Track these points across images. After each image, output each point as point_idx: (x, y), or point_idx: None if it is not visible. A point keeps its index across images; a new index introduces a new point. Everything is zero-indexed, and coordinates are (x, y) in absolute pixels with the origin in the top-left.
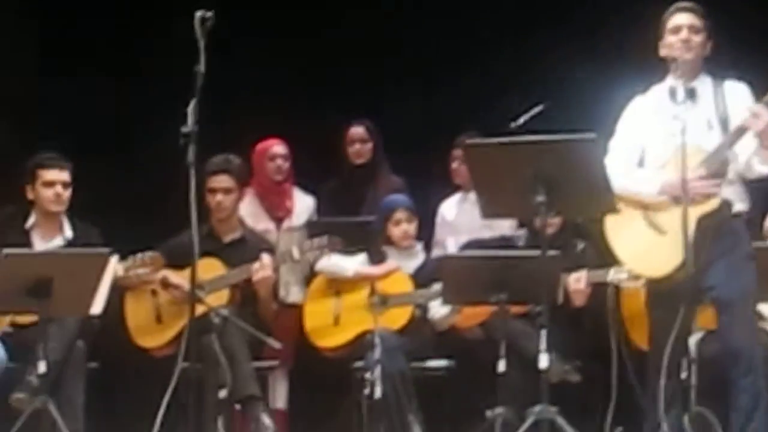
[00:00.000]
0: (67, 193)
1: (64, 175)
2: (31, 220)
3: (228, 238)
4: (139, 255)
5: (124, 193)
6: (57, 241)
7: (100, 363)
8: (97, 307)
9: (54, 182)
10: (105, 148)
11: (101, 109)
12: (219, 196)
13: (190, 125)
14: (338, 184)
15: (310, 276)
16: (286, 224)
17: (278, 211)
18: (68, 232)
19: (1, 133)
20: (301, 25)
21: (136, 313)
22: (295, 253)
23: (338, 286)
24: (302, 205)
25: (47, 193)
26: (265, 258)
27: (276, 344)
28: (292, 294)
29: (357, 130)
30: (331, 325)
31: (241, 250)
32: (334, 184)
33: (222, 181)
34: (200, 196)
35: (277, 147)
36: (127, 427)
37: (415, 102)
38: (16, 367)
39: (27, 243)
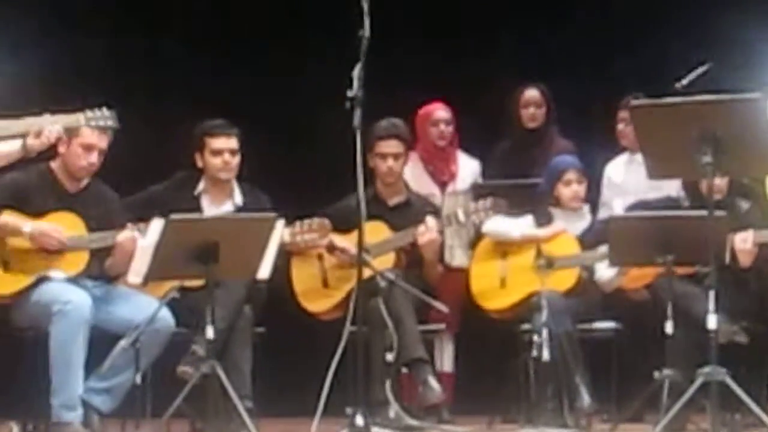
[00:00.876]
0: (235, 161)
1: (232, 143)
2: (201, 185)
3: (393, 202)
4: (306, 220)
5: (291, 158)
6: (227, 207)
7: (267, 328)
8: (264, 271)
9: (222, 150)
10: (272, 115)
11: (269, 74)
12: (390, 162)
13: (355, 89)
14: (509, 147)
15: (474, 239)
16: (450, 188)
17: (442, 176)
18: (238, 198)
19: (175, 103)
20: None
21: (303, 277)
22: (461, 216)
23: (505, 248)
24: (467, 168)
25: (215, 161)
26: (431, 220)
27: (443, 308)
28: (457, 257)
29: (532, 94)
30: (497, 287)
31: (407, 213)
32: (504, 146)
33: (392, 146)
34: (364, 160)
35: (440, 112)
36: (295, 392)
37: (584, 65)
38: (184, 332)
39: (197, 208)
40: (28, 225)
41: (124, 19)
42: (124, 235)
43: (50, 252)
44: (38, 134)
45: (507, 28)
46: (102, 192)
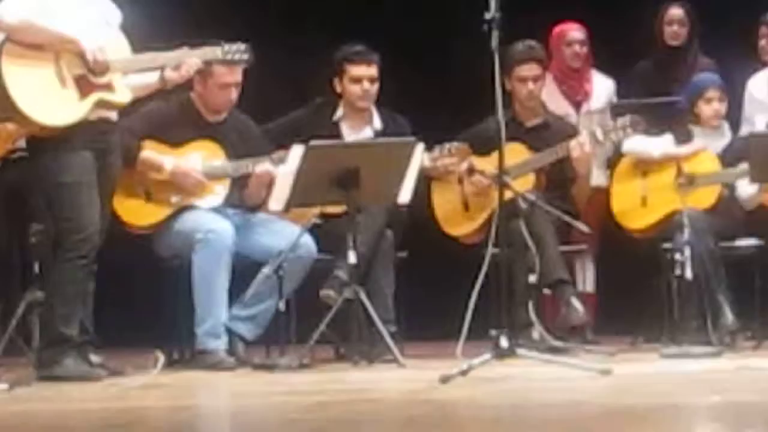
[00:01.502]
0: (374, 88)
1: (372, 70)
2: (340, 112)
3: (531, 123)
4: (446, 144)
5: (428, 82)
6: (366, 132)
7: (408, 252)
8: (404, 196)
9: (361, 78)
10: (409, 39)
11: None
12: (530, 85)
13: (492, 11)
14: (649, 65)
15: (613, 158)
16: (585, 108)
17: (577, 95)
18: (377, 123)
19: (310, 29)
20: None
21: (443, 201)
22: (599, 135)
23: (645, 167)
24: (601, 87)
25: (355, 88)
26: (583, 135)
27: (584, 228)
28: (595, 177)
29: (677, 12)
30: (638, 206)
31: (545, 134)
32: (645, 64)
33: (531, 69)
34: (502, 83)
35: (575, 32)
36: (438, 315)
37: None
38: (326, 258)
39: (336, 135)
40: (169, 162)
41: None
42: (261, 167)
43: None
44: (177, 67)
45: None
46: (241, 121)
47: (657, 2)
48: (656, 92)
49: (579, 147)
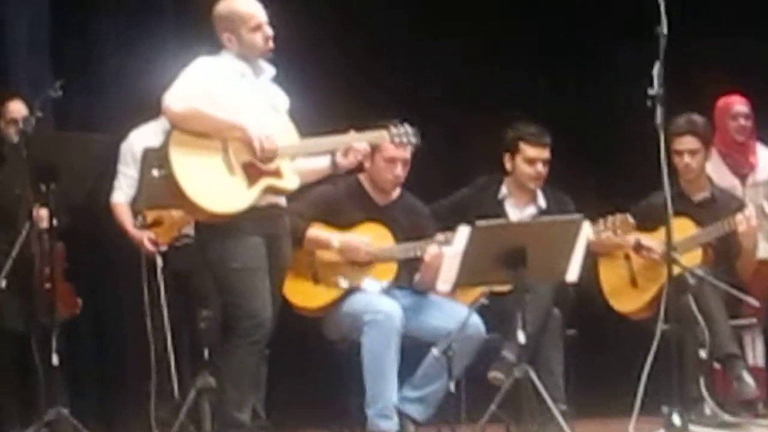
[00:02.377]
0: (546, 170)
1: (546, 153)
2: (504, 190)
3: (698, 198)
4: (609, 218)
5: (591, 157)
6: (530, 210)
7: (577, 330)
8: (572, 274)
9: (536, 159)
10: (571, 116)
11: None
12: (686, 158)
13: (656, 87)
14: None
15: None
16: (750, 180)
17: (742, 168)
18: (542, 201)
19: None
20: None
21: (611, 277)
22: (766, 208)
23: None
24: (765, 159)
25: (528, 169)
26: (749, 209)
27: (754, 302)
28: (762, 250)
29: None
30: None
31: (712, 209)
32: None
33: (688, 142)
34: (668, 157)
35: (739, 106)
36: (608, 391)
37: None
38: (495, 337)
39: (501, 213)
40: (336, 238)
41: (416, 29)
42: (431, 252)
43: (359, 264)
44: (346, 153)
45: None
46: (411, 204)
47: None
48: None
49: (745, 221)
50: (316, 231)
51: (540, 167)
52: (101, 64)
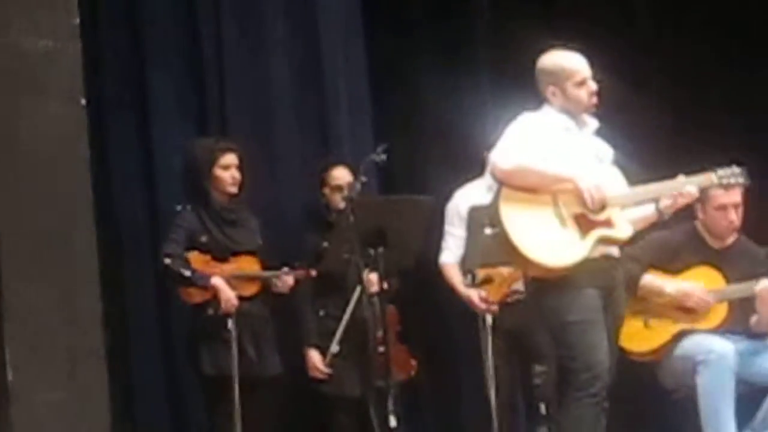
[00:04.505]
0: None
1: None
2: None
3: None
4: None
5: None
6: None
7: None
8: None
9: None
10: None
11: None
12: None
13: None
14: None
15: None
16: None
17: None
18: None
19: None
20: None
21: None
22: None
23: None
24: None
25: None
26: None
27: None
28: None
29: None
30: None
31: None
32: None
33: None
34: None
35: None
36: None
37: None
38: None
39: None
40: (670, 285)
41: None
42: (763, 286)
43: (690, 309)
44: (676, 198)
45: None
46: (748, 247)
47: None
48: None
49: None
50: (650, 277)
51: (732, 215)
52: (422, 124)
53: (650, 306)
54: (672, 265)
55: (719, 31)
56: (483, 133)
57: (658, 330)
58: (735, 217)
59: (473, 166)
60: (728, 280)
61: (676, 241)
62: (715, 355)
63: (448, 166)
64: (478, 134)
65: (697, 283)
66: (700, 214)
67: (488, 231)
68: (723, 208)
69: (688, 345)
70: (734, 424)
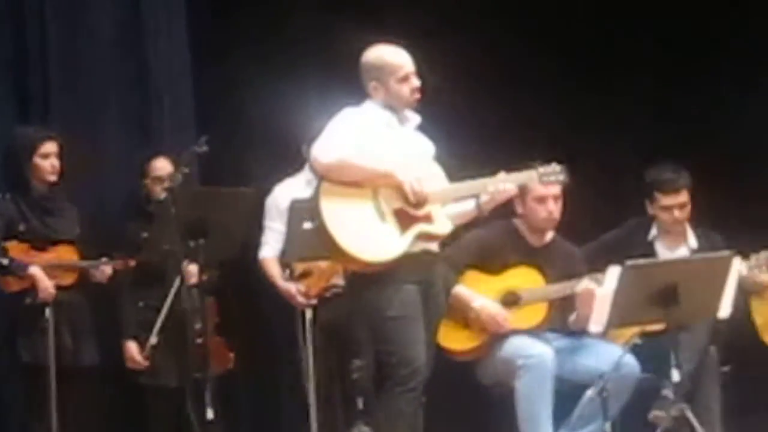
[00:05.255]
0: (684, 213)
1: (681, 198)
2: (654, 231)
3: None
4: (763, 253)
5: (741, 192)
6: (682, 251)
7: (732, 366)
8: (724, 310)
9: (671, 207)
10: (716, 152)
11: (710, 111)
12: None
13: None
14: None
15: None
16: None
17: None
18: (693, 242)
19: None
20: None
21: (763, 311)
22: None
23: None
24: None
25: (665, 216)
26: None
27: None
28: None
29: None
30: None
31: None
32: None
33: None
34: None
35: None
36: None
37: None
38: (649, 377)
39: (651, 254)
40: (477, 301)
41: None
42: (583, 286)
43: (508, 306)
44: (494, 194)
45: None
46: (564, 247)
47: None
48: None
49: None
50: (462, 289)
51: (677, 213)
52: (245, 118)
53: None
54: (491, 264)
55: (547, 33)
56: (307, 127)
57: (477, 329)
58: (554, 208)
59: (297, 160)
60: (547, 279)
61: (494, 239)
62: (535, 360)
63: (271, 159)
64: (301, 127)
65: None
66: (519, 209)
67: (308, 225)
68: (542, 199)
69: (508, 347)
70: (551, 427)
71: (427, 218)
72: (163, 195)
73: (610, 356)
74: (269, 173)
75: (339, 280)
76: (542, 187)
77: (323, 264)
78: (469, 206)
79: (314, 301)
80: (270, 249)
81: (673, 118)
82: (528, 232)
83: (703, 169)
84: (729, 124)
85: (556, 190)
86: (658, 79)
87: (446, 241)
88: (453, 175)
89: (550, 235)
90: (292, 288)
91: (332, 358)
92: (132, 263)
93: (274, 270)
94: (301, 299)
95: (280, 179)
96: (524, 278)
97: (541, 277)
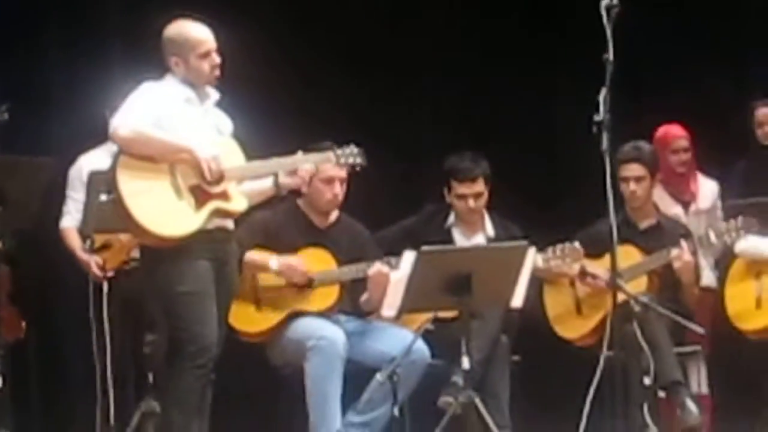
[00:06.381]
0: (480, 203)
1: (477, 187)
2: (451, 218)
3: (644, 225)
4: (559, 246)
5: (540, 184)
6: (478, 238)
7: (522, 356)
8: (517, 300)
9: (466, 195)
10: (520, 141)
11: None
12: (631, 185)
13: (602, 114)
14: (746, 165)
15: (721, 259)
16: (693, 208)
17: (683, 195)
18: (490, 230)
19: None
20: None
21: (556, 303)
22: (712, 237)
23: (759, 267)
24: (706, 189)
25: (460, 204)
26: (684, 244)
27: (699, 329)
28: (705, 277)
29: (765, 112)
30: (753, 308)
31: (658, 236)
32: (742, 165)
33: (633, 169)
34: (614, 184)
35: (679, 141)
36: (553, 418)
37: None
38: (440, 363)
39: (449, 241)
40: (274, 260)
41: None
42: (375, 269)
43: (300, 288)
44: (291, 173)
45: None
46: (351, 226)
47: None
48: (756, 192)
49: (679, 258)
50: (254, 254)
51: (471, 203)
52: (48, 87)
53: (260, 284)
54: (279, 245)
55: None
56: (111, 98)
57: (269, 312)
58: (340, 191)
59: (100, 131)
60: (336, 259)
61: (279, 220)
62: (325, 342)
63: (75, 129)
64: (106, 98)
65: (293, 257)
66: (304, 189)
67: (104, 197)
68: (330, 181)
69: (299, 328)
70: (339, 409)
71: (223, 195)
72: None
73: (401, 341)
74: (73, 145)
75: (138, 254)
76: (332, 168)
77: (124, 237)
78: (266, 184)
79: (111, 274)
80: (71, 219)
81: (477, 107)
82: (313, 213)
83: (504, 162)
84: (531, 116)
85: (343, 173)
86: (465, 68)
87: (238, 220)
88: (251, 154)
89: (335, 215)
90: (90, 260)
91: (127, 332)
92: None
93: (74, 240)
94: (96, 271)
95: (85, 150)
96: (315, 260)
97: (332, 258)
